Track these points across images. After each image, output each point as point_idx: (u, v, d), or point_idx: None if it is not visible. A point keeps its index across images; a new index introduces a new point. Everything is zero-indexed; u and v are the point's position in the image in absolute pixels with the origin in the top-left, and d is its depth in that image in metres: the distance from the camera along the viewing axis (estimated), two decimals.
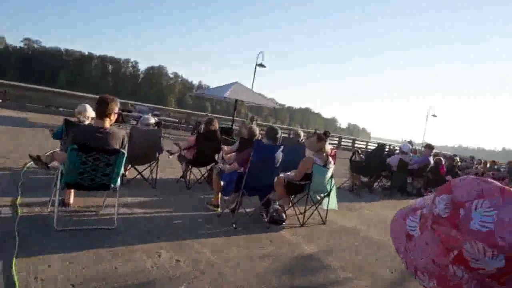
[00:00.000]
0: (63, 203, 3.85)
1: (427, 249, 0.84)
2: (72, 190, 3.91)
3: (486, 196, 0.81)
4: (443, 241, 0.79)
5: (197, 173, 6.18)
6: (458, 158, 12.14)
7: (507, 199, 0.76)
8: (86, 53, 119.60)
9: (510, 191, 0.80)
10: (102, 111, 3.46)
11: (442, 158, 9.80)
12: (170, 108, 26.14)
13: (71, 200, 3.96)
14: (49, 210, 3.70)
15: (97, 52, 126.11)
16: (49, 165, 4.44)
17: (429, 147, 9.53)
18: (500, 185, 0.81)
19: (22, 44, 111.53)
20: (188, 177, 5.95)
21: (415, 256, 0.91)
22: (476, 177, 0.88)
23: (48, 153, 4.59)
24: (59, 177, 3.42)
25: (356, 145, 28.21)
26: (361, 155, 8.86)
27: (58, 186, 3.40)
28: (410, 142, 16.20)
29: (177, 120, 19.04)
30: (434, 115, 29.00)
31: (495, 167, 12.87)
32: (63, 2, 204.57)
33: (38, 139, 7.81)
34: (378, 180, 8.75)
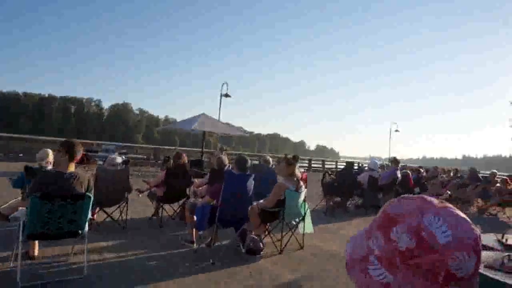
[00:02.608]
0: (28, 255, 3.62)
1: (414, 286, 0.80)
2: (36, 241, 3.70)
3: (424, 211, 0.81)
4: (427, 270, 0.77)
5: (169, 209, 6.04)
6: (423, 170, 12.58)
7: (432, 206, 0.78)
8: (47, 95, 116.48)
9: (425, 199, 0.83)
10: (66, 156, 3.35)
11: (408, 171, 10.11)
12: (138, 145, 25.68)
13: (36, 252, 3.74)
14: (12, 265, 3.47)
15: (58, 93, 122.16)
16: (9, 217, 4.19)
17: (395, 161, 9.84)
18: (416, 196, 0.83)
19: None
20: (160, 215, 5.79)
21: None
22: (397, 198, 0.88)
23: (7, 204, 4.34)
24: (21, 229, 3.24)
25: (326, 166, 28.67)
26: (332, 176, 9.00)
27: (20, 239, 3.21)
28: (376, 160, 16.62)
29: (145, 157, 18.71)
30: (396, 130, 30.14)
31: (458, 174, 13.42)
32: (17, 44, 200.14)
33: None
34: (351, 199, 8.88)
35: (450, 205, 0.82)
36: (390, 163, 12.98)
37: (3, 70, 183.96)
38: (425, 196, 0.83)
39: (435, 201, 0.80)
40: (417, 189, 9.89)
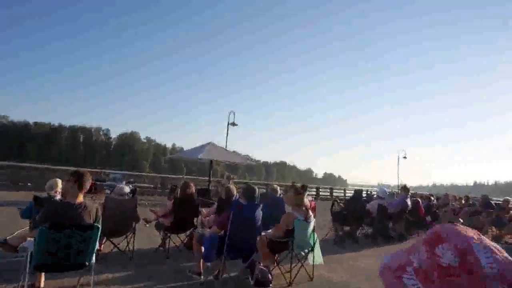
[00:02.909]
0: (34, 287, 3.58)
1: None
2: (43, 273, 3.66)
3: (476, 238, 0.87)
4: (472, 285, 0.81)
5: (176, 240, 5.97)
6: (434, 197, 12.39)
7: (485, 239, 0.83)
8: (56, 124, 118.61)
9: (479, 233, 0.89)
10: (75, 186, 3.38)
11: (419, 199, 9.96)
12: (145, 174, 25.80)
13: (42, 284, 3.70)
14: None
15: (67, 123, 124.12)
16: (17, 248, 4.18)
17: (404, 189, 9.69)
18: (473, 231, 0.88)
19: None
20: (167, 245, 5.71)
21: None
22: (452, 224, 0.93)
23: (15, 234, 4.33)
24: (28, 260, 3.21)
25: (334, 194, 28.39)
26: (341, 204, 8.89)
27: (27, 270, 3.18)
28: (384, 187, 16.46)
29: (152, 186, 18.73)
30: (404, 157, 30.00)
31: (470, 202, 13.17)
32: (29, 77, 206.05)
33: (4, 218, 7.41)
34: (360, 228, 8.72)
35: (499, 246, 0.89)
36: (399, 191, 12.81)
37: (15, 101, 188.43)
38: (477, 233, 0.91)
39: (487, 239, 0.87)
40: (428, 218, 9.70)
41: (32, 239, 3.35)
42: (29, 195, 6.66)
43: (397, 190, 18.88)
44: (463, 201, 13.46)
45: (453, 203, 13.42)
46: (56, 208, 3.33)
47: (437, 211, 10.72)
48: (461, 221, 10.68)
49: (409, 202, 9.19)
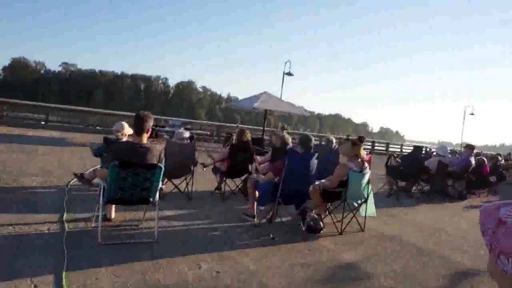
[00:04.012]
0: (106, 218, 3.98)
1: None
2: (113, 206, 4.05)
3: None
4: None
5: (231, 184, 6.23)
6: (501, 157, 11.56)
7: None
8: (119, 73, 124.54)
9: None
10: (139, 128, 3.58)
11: (484, 159, 9.36)
12: (201, 122, 26.61)
13: (113, 215, 4.10)
14: (93, 225, 3.84)
15: (129, 71, 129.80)
16: (92, 182, 4.63)
17: (469, 147, 9.13)
18: None
19: (60, 68, 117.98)
20: (223, 189, 6.00)
21: (503, 240, 0.95)
22: None
23: (90, 171, 4.79)
24: (101, 193, 3.56)
25: (390, 149, 27.49)
26: (397, 159, 8.62)
27: (101, 202, 3.53)
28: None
29: (208, 133, 19.35)
30: (472, 114, 27.85)
31: None
32: (93, 27, 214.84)
33: (79, 157, 8.18)
34: (417, 184, 8.47)
35: None
36: (463, 149, 12.09)
37: (82, 50, 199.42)
38: None
39: None
40: (493, 178, 9.15)
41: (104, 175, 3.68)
42: (99, 137, 7.22)
43: (460, 149, 17.83)
44: None
45: None
46: (124, 148, 3.58)
47: (503, 171, 10.05)
48: None
49: (473, 160, 8.68)
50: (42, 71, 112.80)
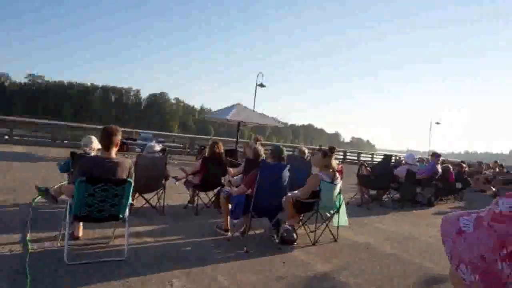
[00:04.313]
0: (72, 236, 3.83)
1: (478, 245, 0.91)
2: (81, 223, 3.90)
3: None
4: (499, 237, 0.85)
5: (204, 197, 6.16)
6: (465, 164, 12.03)
7: None
8: (89, 84, 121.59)
9: None
10: (107, 142, 3.49)
11: (450, 166, 9.72)
12: (174, 134, 26.31)
13: (80, 233, 3.95)
14: (59, 244, 3.68)
15: (99, 82, 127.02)
16: (57, 199, 4.45)
17: (435, 155, 9.47)
18: None
19: (26, 80, 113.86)
20: (196, 202, 5.92)
21: (462, 249, 0.96)
22: None
23: (56, 187, 4.61)
24: (68, 210, 3.42)
25: (361, 158, 28.10)
26: (368, 168, 8.81)
27: (67, 220, 3.40)
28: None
29: (181, 145, 19.13)
30: (437, 123, 29.04)
31: (505, 170, 12.73)
32: (61, 35, 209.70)
33: (45, 173, 7.86)
34: (387, 193, 8.67)
35: None
36: (430, 157, 12.52)
37: (51, 58, 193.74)
38: None
39: None
40: (458, 184, 9.50)
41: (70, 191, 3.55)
42: (67, 151, 6.97)
43: (427, 157, 18.45)
44: (497, 169, 13.02)
45: (486, 172, 13.01)
46: (91, 163, 3.47)
47: (468, 178, 10.45)
48: (494, 189, 10.38)
49: (439, 168, 9.00)
50: (6, 84, 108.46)
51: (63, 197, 4.32)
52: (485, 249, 0.88)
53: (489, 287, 0.87)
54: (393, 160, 17.43)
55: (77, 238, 3.89)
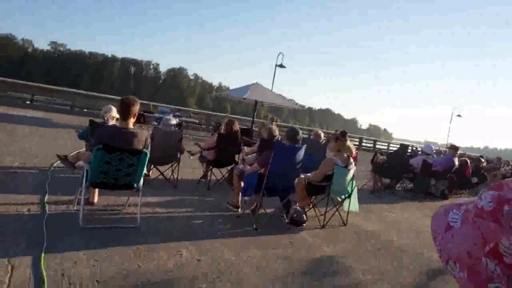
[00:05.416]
0: (88, 201, 3.94)
1: (464, 240, 0.90)
2: (96, 189, 4.00)
3: None
4: (482, 233, 0.83)
5: (217, 173, 6.22)
6: (484, 159, 11.78)
7: None
8: (109, 55, 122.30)
9: None
10: (125, 112, 3.54)
11: (467, 160, 9.53)
12: (191, 109, 26.40)
13: (96, 199, 4.06)
14: (75, 208, 3.80)
15: (120, 54, 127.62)
16: (75, 165, 4.57)
17: (453, 148, 9.29)
18: None
19: (49, 48, 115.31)
20: (209, 178, 6.00)
21: (450, 246, 0.96)
22: None
23: (74, 153, 4.72)
24: (84, 177, 3.52)
25: (377, 146, 27.80)
26: (383, 156, 8.72)
27: (83, 185, 3.49)
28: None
29: (197, 121, 19.21)
30: (458, 115, 28.34)
31: None
32: (87, 6, 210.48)
33: (64, 139, 8.05)
34: (401, 182, 8.59)
35: None
36: (447, 149, 12.29)
37: (73, 27, 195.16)
38: None
39: None
40: (474, 179, 9.33)
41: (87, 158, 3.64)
42: (85, 119, 7.11)
43: (444, 149, 18.14)
44: None
45: (506, 168, 12.73)
46: (109, 132, 3.53)
47: (485, 173, 10.24)
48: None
49: (456, 161, 8.84)
50: (29, 50, 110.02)
51: (80, 163, 4.43)
52: (470, 246, 0.87)
53: (477, 284, 0.86)
54: (409, 150, 17.19)
55: (92, 203, 4.00)
